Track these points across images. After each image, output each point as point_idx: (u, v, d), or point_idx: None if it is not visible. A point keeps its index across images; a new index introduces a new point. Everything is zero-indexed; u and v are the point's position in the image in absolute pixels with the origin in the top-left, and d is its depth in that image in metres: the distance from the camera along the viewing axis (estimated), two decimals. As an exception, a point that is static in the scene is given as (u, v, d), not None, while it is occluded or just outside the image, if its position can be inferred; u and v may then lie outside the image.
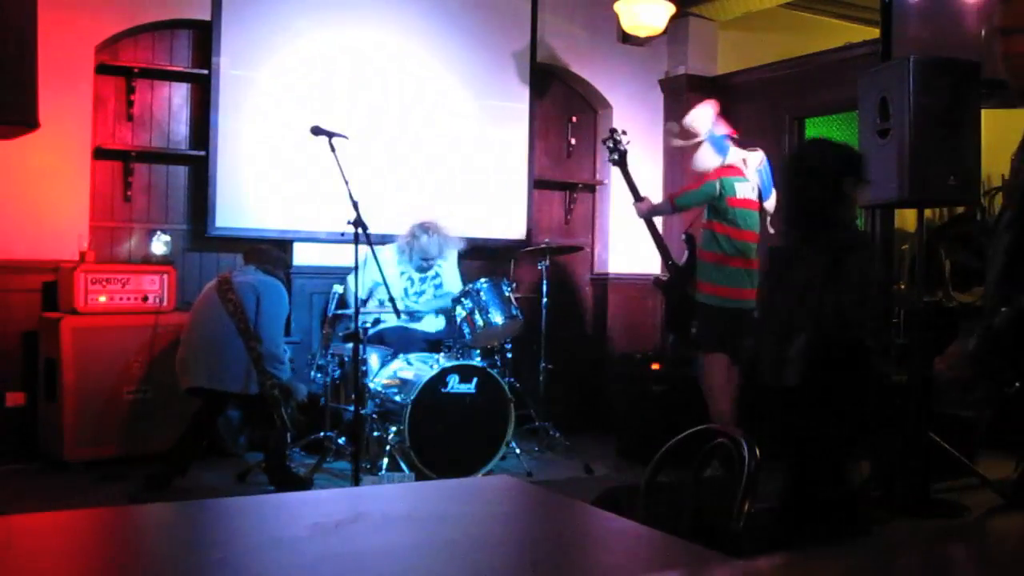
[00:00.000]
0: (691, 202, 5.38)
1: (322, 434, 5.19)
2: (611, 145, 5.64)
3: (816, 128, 6.65)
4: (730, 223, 5.14)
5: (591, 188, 7.23)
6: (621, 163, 5.57)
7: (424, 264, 5.66)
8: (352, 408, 4.87)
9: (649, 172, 7.16)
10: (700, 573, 1.58)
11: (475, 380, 5.08)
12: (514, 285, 5.52)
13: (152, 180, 5.85)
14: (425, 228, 5.60)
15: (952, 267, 6.26)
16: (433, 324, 5.76)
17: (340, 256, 6.14)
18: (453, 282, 5.82)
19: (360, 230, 4.40)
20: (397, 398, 5.04)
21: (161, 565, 1.65)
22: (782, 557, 1.07)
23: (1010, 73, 2.34)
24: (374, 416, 5.15)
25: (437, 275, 5.81)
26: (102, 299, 5.20)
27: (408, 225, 5.66)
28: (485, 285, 5.35)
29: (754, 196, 5.25)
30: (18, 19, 3.39)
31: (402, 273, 5.72)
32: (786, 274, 3.40)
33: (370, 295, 5.45)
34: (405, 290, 5.69)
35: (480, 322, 5.28)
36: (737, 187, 5.18)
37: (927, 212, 5.13)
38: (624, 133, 5.68)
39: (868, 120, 4.64)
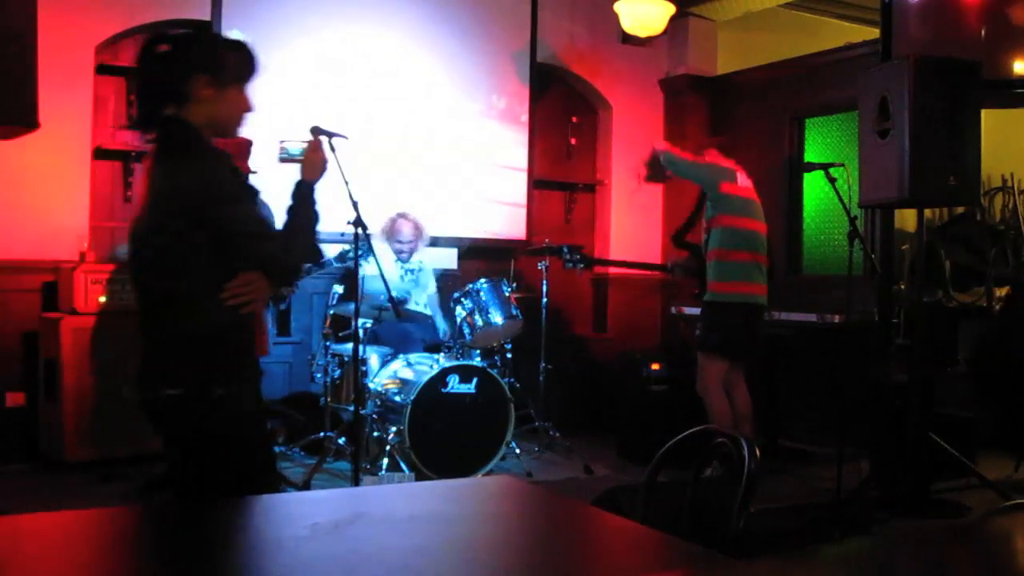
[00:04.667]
0: (680, 169, 5.02)
1: (322, 434, 5.18)
2: (572, 263, 5.62)
3: (816, 128, 6.65)
4: (735, 211, 4.95)
5: (591, 188, 7.23)
6: (591, 263, 5.61)
7: (400, 248, 5.68)
8: (352, 408, 4.86)
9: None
10: (700, 573, 1.58)
11: (475, 380, 5.08)
12: (514, 285, 5.52)
13: (152, 180, 5.84)
14: (402, 214, 5.72)
15: (952, 267, 6.25)
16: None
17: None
18: (428, 285, 5.85)
19: (360, 230, 4.40)
20: (397, 398, 5.04)
21: (161, 565, 1.65)
22: (782, 557, 1.08)
23: None
24: (374, 416, 5.15)
25: (420, 270, 5.82)
26: (102, 299, 5.20)
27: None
28: (485, 285, 5.35)
29: (751, 187, 5.08)
30: (18, 19, 3.39)
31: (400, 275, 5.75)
32: None
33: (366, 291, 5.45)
34: (401, 279, 5.73)
35: (480, 322, 5.28)
36: (738, 176, 5.03)
37: (927, 212, 5.12)
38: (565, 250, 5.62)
39: (868, 120, 4.63)
